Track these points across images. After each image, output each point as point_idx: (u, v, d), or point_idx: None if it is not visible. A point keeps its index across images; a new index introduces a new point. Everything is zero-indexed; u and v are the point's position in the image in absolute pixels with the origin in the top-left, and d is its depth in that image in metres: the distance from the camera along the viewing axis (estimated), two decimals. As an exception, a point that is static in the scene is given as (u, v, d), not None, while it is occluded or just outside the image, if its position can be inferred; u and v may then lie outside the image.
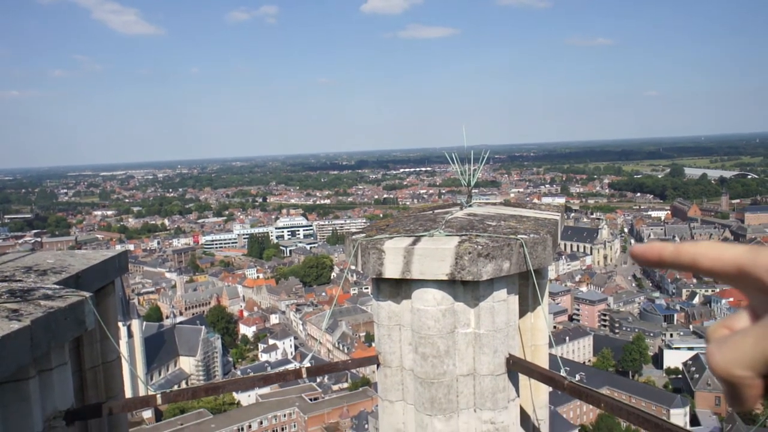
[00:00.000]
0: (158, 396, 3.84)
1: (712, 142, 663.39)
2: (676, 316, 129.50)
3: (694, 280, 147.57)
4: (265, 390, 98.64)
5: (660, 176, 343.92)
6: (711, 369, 0.85)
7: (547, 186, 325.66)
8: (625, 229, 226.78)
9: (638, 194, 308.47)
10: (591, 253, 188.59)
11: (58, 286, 3.95)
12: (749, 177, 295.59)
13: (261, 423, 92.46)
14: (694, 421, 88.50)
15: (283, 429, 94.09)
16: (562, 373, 3.86)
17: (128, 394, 6.16)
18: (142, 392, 71.99)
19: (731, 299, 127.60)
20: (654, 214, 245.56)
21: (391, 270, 4.02)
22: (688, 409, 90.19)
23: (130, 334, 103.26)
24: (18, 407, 3.19)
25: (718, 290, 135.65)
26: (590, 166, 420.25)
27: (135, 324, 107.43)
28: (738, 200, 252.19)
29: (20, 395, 3.19)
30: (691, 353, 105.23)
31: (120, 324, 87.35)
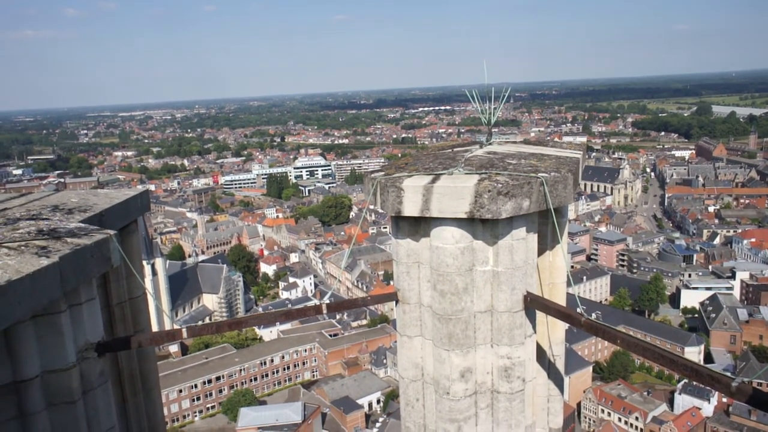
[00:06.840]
0: (184, 330, 3.98)
1: (743, 78, 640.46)
2: (695, 256, 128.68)
3: (716, 221, 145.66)
4: (286, 326, 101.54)
5: (686, 114, 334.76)
6: None
7: (568, 125, 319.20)
8: (648, 169, 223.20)
9: (662, 133, 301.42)
10: (611, 193, 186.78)
11: (83, 225, 4.04)
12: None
13: (283, 357, 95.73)
14: (708, 358, 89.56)
15: (303, 363, 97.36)
16: (579, 310, 3.90)
17: (154, 329, 6.38)
18: (167, 327, 74.45)
19: (753, 240, 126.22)
20: (678, 153, 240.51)
21: (410, 208, 4.03)
22: (702, 347, 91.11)
23: (154, 272, 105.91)
24: (52, 339, 3.34)
25: (739, 231, 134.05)
26: (614, 105, 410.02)
27: (159, 262, 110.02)
28: (767, 139, 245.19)
29: (54, 328, 3.34)
30: (709, 293, 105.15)
31: (144, 262, 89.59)
